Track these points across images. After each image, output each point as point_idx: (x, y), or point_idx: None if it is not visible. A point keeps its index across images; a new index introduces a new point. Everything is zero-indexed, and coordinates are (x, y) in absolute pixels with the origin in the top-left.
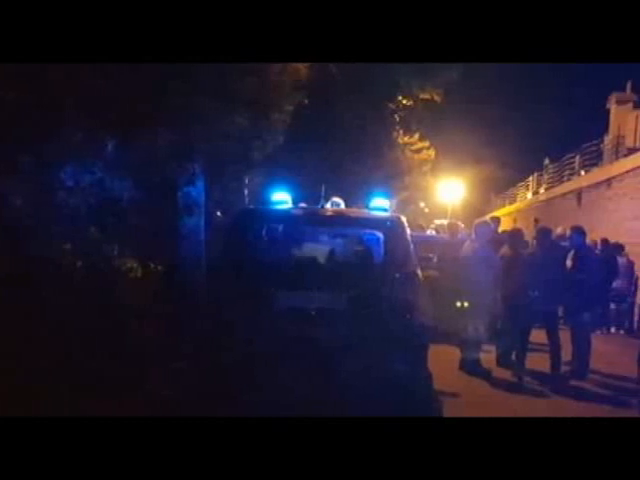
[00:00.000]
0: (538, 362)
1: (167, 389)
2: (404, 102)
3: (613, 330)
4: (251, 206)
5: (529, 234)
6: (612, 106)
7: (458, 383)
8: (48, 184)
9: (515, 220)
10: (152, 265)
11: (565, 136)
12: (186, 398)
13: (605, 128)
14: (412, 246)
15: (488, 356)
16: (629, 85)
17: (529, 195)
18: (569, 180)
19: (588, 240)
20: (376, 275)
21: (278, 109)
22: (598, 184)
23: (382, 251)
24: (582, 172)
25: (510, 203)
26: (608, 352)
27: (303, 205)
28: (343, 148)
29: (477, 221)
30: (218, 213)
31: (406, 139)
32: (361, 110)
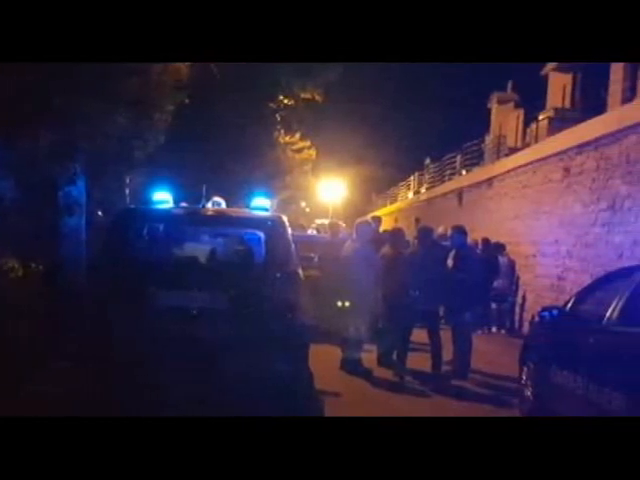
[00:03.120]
0: (419, 362)
1: (51, 389)
2: (285, 101)
3: (494, 330)
4: (132, 205)
5: (410, 233)
6: (493, 106)
7: (339, 383)
8: None
9: (396, 220)
10: (33, 265)
11: (446, 136)
12: (69, 398)
13: (486, 128)
14: (293, 246)
15: (369, 356)
16: (510, 85)
17: (410, 195)
18: (450, 180)
19: (469, 240)
20: (257, 275)
21: (159, 109)
22: (479, 184)
23: (263, 251)
24: (463, 172)
25: (391, 203)
26: (489, 352)
27: (184, 205)
28: (224, 148)
29: (358, 221)
30: (99, 213)
31: (287, 139)
32: (242, 110)
